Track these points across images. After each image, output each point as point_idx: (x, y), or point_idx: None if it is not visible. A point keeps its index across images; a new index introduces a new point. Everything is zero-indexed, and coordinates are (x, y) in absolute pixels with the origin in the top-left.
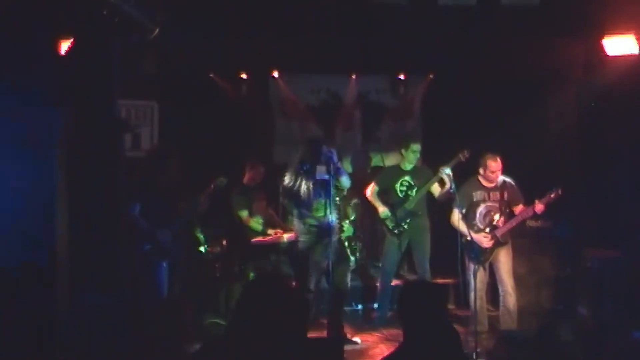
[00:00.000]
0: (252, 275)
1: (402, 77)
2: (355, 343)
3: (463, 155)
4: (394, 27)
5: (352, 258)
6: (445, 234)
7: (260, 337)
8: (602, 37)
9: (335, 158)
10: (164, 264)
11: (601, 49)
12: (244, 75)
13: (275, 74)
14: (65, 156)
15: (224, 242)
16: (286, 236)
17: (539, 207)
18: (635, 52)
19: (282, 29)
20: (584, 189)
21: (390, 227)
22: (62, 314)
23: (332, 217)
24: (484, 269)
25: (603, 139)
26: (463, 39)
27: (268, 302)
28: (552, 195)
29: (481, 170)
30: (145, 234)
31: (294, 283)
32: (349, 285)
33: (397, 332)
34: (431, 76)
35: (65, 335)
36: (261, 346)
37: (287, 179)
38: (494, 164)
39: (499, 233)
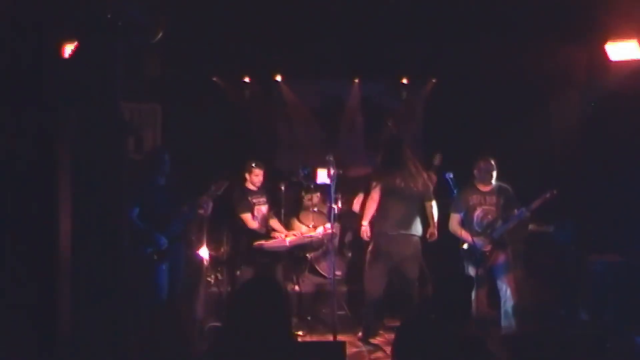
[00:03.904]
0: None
1: (405, 81)
2: None
3: (437, 159)
4: (397, 32)
5: None
6: (445, 239)
7: (251, 338)
8: (605, 42)
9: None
10: (164, 267)
11: (604, 54)
12: (247, 79)
13: (279, 78)
14: (68, 158)
15: (226, 246)
16: (288, 240)
17: (533, 208)
18: (638, 57)
19: (285, 33)
20: (586, 194)
21: None
22: (64, 317)
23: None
24: (484, 273)
25: (606, 144)
26: (466, 43)
27: (257, 304)
28: (547, 196)
29: (475, 173)
30: (142, 236)
31: (296, 287)
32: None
33: None
34: (434, 80)
35: (66, 337)
36: (252, 347)
37: None
38: (488, 165)
39: (496, 236)
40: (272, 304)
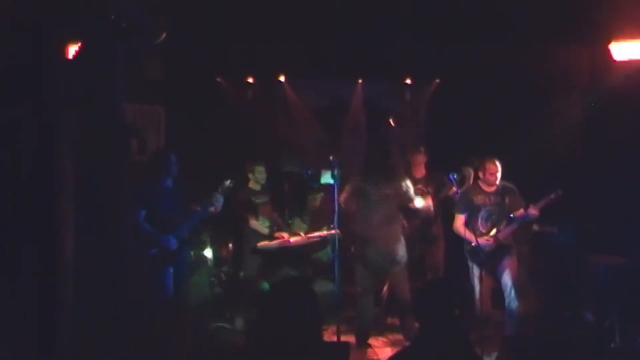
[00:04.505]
0: (263, 282)
1: (408, 82)
2: None
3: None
4: (400, 32)
5: None
6: (450, 240)
7: (281, 340)
8: (609, 42)
9: None
10: (170, 269)
11: (608, 54)
12: (250, 80)
13: (282, 79)
14: (69, 159)
15: (230, 246)
16: (292, 240)
17: (538, 208)
18: None
19: (288, 34)
20: (589, 195)
21: None
22: (66, 320)
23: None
24: (489, 273)
25: (608, 145)
26: (469, 44)
27: (292, 305)
28: (552, 197)
29: (480, 174)
30: (149, 239)
31: None
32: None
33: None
34: (437, 81)
35: (66, 337)
36: (281, 349)
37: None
38: (493, 167)
39: (500, 236)
40: (307, 304)
